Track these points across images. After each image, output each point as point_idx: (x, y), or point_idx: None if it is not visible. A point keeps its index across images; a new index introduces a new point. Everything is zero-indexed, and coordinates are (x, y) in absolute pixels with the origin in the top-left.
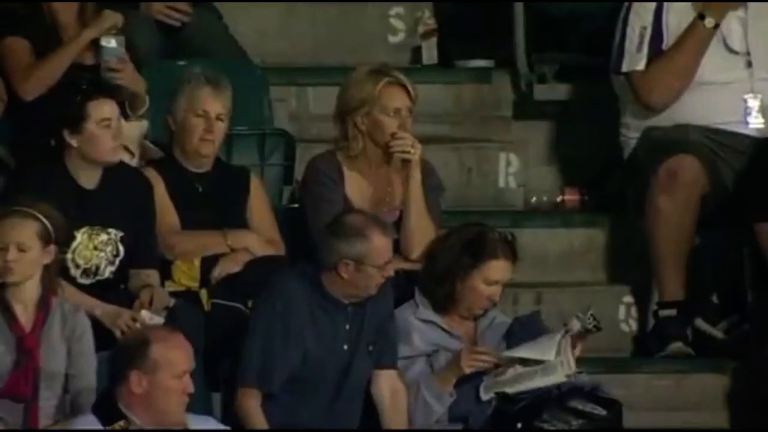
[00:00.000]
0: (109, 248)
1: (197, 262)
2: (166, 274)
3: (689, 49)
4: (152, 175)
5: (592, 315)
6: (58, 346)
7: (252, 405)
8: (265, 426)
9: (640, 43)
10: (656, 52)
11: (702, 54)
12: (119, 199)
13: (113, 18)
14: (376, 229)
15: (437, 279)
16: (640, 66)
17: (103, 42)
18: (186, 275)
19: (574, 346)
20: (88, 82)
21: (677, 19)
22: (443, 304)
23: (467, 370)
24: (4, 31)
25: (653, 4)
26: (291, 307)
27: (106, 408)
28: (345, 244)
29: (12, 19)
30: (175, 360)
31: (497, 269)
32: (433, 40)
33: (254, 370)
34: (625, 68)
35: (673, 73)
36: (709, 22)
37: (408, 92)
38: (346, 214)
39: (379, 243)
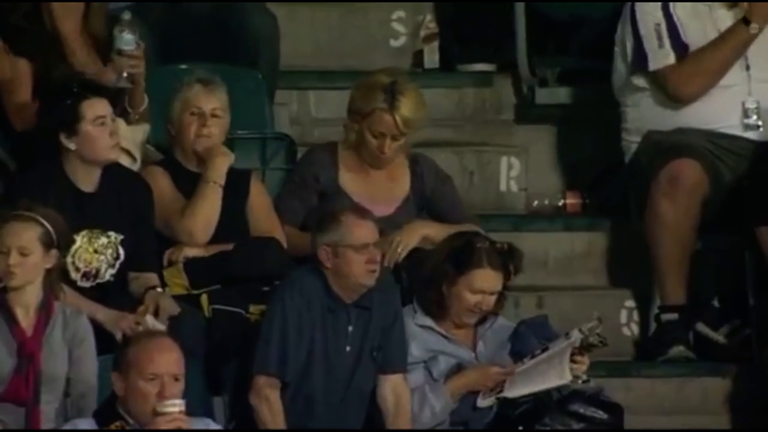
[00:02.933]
0: (109, 251)
1: (181, 266)
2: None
3: (728, 50)
4: (157, 170)
5: (598, 334)
6: (60, 349)
7: (274, 395)
8: (281, 420)
9: (660, 38)
10: (679, 46)
11: (739, 57)
12: (119, 202)
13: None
14: (349, 212)
15: (424, 283)
16: (670, 60)
17: (116, 32)
18: (176, 282)
19: (573, 354)
20: (77, 84)
21: (685, 12)
22: (433, 309)
23: (490, 384)
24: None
25: (658, 3)
26: (306, 303)
27: (109, 412)
28: (321, 232)
29: (13, 32)
30: (142, 362)
31: (482, 278)
32: (435, 44)
33: (273, 358)
34: (653, 66)
35: (707, 71)
36: (753, 27)
37: (397, 124)
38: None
39: (351, 222)
